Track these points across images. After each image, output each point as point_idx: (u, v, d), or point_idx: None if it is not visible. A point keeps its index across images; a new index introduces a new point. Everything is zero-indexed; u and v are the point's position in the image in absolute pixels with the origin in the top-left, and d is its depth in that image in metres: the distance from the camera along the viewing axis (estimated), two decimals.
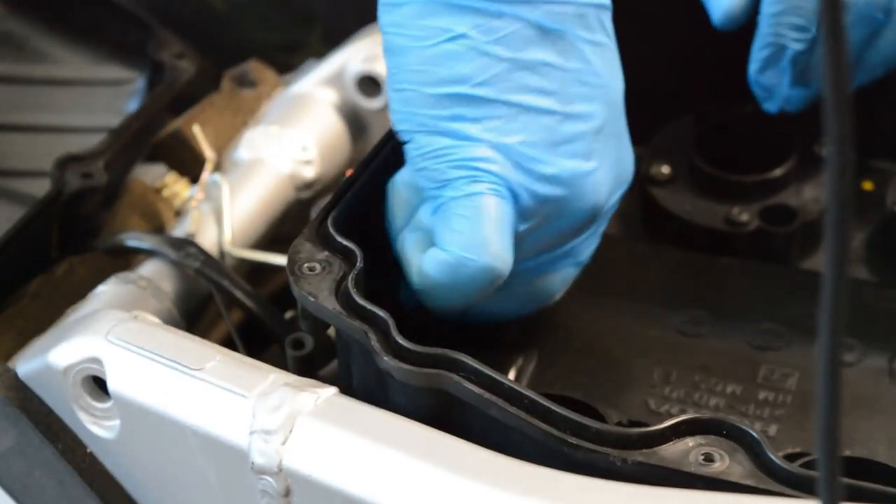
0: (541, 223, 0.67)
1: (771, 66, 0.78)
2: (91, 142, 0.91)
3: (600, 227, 0.72)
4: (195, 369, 0.65)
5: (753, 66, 0.79)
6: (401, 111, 0.66)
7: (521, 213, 0.66)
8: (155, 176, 0.98)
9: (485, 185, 0.65)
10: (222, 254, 0.88)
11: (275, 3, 1.17)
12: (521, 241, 0.67)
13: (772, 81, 0.79)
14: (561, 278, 0.73)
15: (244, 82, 1.06)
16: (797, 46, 0.76)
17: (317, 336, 0.71)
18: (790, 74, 0.78)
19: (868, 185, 0.87)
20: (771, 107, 0.81)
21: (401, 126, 0.67)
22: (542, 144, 0.65)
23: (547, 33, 0.65)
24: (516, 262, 0.66)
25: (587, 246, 0.72)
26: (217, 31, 1.16)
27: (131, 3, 1.13)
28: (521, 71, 0.65)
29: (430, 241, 0.67)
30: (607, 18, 0.67)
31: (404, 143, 0.67)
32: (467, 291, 0.65)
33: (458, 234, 0.64)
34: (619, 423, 0.68)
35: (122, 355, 0.67)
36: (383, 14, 0.67)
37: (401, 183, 0.69)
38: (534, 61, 0.65)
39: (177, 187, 0.97)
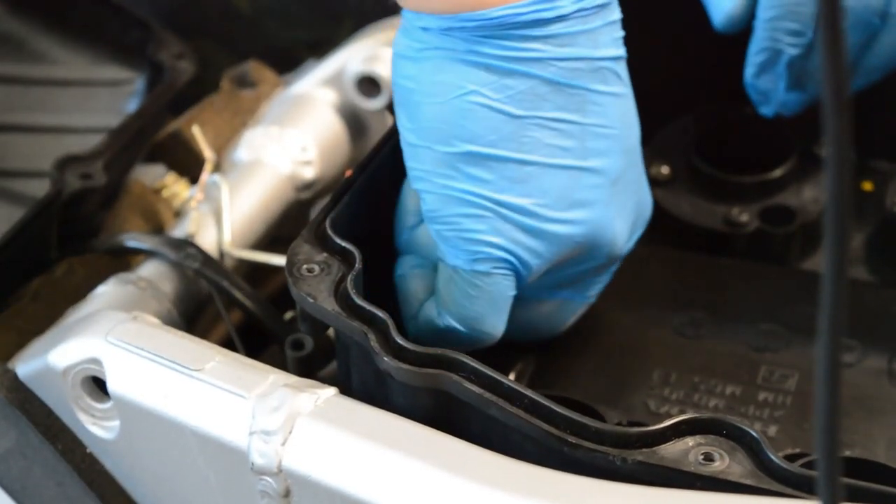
0: (555, 269, 0.67)
1: (767, 70, 0.78)
2: (91, 142, 0.91)
3: (614, 267, 0.72)
4: (195, 370, 0.65)
5: (749, 71, 0.79)
6: (415, 168, 0.66)
7: (533, 271, 0.66)
8: (154, 176, 0.98)
9: (489, 265, 0.65)
10: (222, 254, 0.88)
11: (303, 0, 1.17)
12: (535, 280, 0.67)
13: (768, 86, 0.79)
14: (571, 310, 0.73)
15: (244, 82, 1.06)
16: (793, 51, 0.76)
17: (316, 337, 0.71)
18: (786, 79, 0.78)
19: (868, 186, 0.87)
20: (767, 111, 0.81)
21: (416, 185, 0.66)
22: (558, 202, 0.65)
23: (561, 89, 0.64)
24: (528, 294, 0.67)
25: (598, 284, 0.73)
26: (243, 32, 1.16)
27: (154, 6, 1.13)
28: (535, 129, 0.64)
29: (431, 278, 0.68)
30: (622, 68, 0.66)
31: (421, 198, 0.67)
32: (455, 346, 0.65)
33: (455, 305, 0.66)
34: (619, 424, 0.68)
35: (121, 356, 0.67)
36: (398, 66, 0.66)
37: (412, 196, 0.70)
38: (548, 118, 0.64)
39: (176, 188, 0.97)
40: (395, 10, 0.67)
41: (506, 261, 0.65)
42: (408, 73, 0.65)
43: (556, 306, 0.72)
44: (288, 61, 1.11)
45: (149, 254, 0.85)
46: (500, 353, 0.72)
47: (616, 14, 0.66)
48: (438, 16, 0.63)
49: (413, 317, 0.69)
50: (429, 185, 0.65)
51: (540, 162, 0.64)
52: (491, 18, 0.62)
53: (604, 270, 0.71)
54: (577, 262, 0.68)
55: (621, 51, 0.66)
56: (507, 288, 0.66)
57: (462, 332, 0.66)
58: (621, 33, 0.66)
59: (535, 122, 0.64)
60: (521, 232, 0.65)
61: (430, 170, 0.65)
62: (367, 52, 0.99)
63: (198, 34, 1.10)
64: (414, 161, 0.66)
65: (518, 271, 0.65)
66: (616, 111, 0.66)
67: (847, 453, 0.66)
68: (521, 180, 0.64)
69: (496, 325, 0.67)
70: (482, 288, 0.65)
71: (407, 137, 0.66)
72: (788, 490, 0.54)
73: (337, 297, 0.63)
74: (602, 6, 0.64)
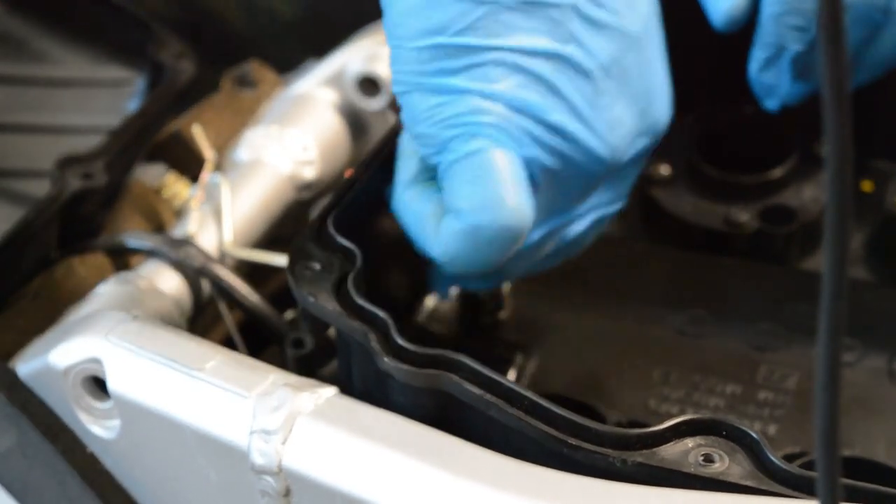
0: (557, 176, 0.63)
1: (771, 65, 0.78)
2: (91, 142, 0.91)
3: (633, 171, 0.68)
4: (195, 369, 0.65)
5: (753, 66, 0.79)
6: (393, 71, 0.62)
7: (531, 164, 0.61)
8: (155, 176, 0.98)
9: (483, 140, 0.60)
10: (222, 254, 0.88)
11: (292, 27, 1.17)
12: (541, 197, 0.63)
13: (772, 81, 0.79)
14: (597, 222, 0.69)
15: (244, 82, 1.06)
16: (797, 47, 0.76)
17: (317, 336, 0.71)
18: (790, 74, 0.78)
19: (868, 186, 0.87)
20: (771, 105, 0.81)
21: (395, 88, 0.63)
22: (539, 88, 0.60)
23: None
24: (541, 220, 0.63)
25: (622, 186, 0.68)
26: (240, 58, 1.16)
27: (166, 17, 1.13)
28: (506, 12, 0.59)
29: (439, 204, 0.63)
30: None
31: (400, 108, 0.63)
32: (491, 256, 0.61)
33: (468, 199, 0.60)
34: (619, 424, 0.68)
35: (122, 355, 0.67)
36: None
37: (406, 141, 0.67)
38: (520, 0, 0.59)
39: (177, 188, 0.97)
40: None
41: (496, 127, 0.60)
42: None
43: (574, 222, 0.68)
44: (288, 61, 1.11)
45: (149, 253, 0.85)
46: (500, 353, 0.73)
47: None
48: None
49: (435, 238, 0.64)
50: (405, 85, 0.62)
51: (513, 47, 0.60)
52: None
53: (617, 175, 0.66)
54: (577, 163, 0.63)
55: None
56: (511, 160, 0.60)
57: (487, 227, 0.60)
58: None
59: (506, 5, 0.59)
60: (508, 111, 0.60)
61: (404, 68, 0.61)
62: (367, 52, 0.99)
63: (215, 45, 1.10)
64: (392, 63, 0.62)
65: (516, 147, 0.60)
66: None
67: (847, 453, 0.66)
68: (495, 66, 0.60)
69: (519, 203, 0.60)
70: (486, 166, 0.60)
71: (388, 39, 0.62)
72: (788, 491, 0.54)
73: (338, 297, 0.63)
74: None
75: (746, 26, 0.78)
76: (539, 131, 0.61)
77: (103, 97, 1.09)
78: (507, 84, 0.60)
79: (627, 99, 0.63)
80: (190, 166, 0.98)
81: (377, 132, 1.01)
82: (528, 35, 0.60)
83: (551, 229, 0.67)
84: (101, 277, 0.83)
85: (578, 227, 0.68)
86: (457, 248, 0.62)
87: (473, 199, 0.60)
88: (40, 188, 0.88)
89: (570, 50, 0.61)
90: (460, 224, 0.61)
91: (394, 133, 0.71)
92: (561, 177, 0.63)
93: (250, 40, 1.18)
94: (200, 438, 0.64)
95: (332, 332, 0.71)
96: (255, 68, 1.07)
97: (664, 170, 0.87)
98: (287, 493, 0.62)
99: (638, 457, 0.56)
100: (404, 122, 0.63)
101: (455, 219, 0.61)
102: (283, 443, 0.61)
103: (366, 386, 0.65)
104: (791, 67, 0.77)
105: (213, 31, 1.19)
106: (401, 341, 0.60)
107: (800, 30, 0.75)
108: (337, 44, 1.03)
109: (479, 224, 0.60)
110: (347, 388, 0.65)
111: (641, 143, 0.66)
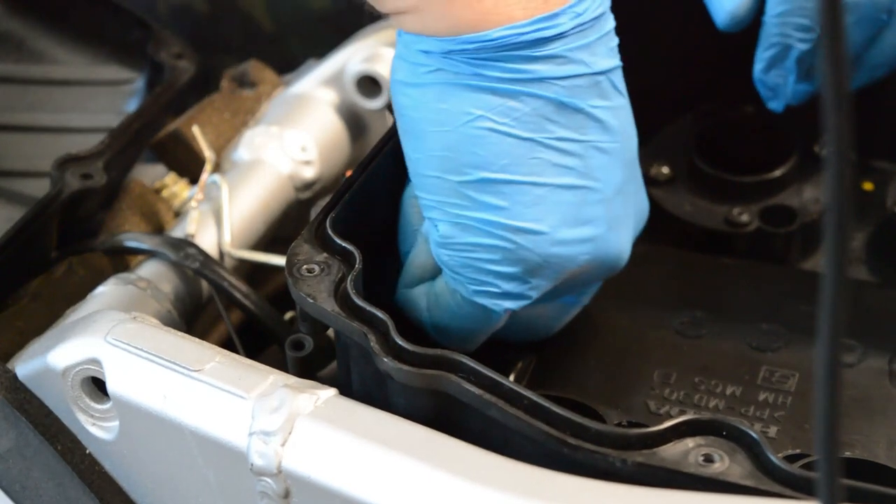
0: (559, 285, 0.67)
1: (776, 65, 0.78)
2: (91, 142, 0.91)
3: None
4: (194, 370, 0.65)
5: (758, 66, 0.79)
6: (427, 199, 0.65)
7: (533, 299, 0.66)
8: (154, 176, 0.98)
9: (489, 300, 0.65)
10: (222, 254, 0.88)
11: (322, 20, 1.17)
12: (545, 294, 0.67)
13: (777, 81, 0.79)
14: (567, 313, 0.74)
15: (244, 82, 1.06)
16: (802, 46, 0.76)
17: (316, 337, 0.71)
18: (795, 74, 0.78)
19: (868, 186, 0.87)
20: (776, 105, 0.81)
21: (428, 213, 0.66)
22: (566, 222, 0.64)
23: (564, 107, 0.63)
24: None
25: (595, 286, 0.73)
26: (265, 49, 1.16)
27: (168, 20, 1.13)
28: (542, 150, 0.63)
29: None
30: (619, 78, 0.66)
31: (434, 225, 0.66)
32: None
33: (443, 316, 0.67)
34: (619, 424, 0.68)
35: (121, 356, 0.67)
36: (399, 95, 0.65)
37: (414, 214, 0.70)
38: (553, 138, 0.63)
39: (176, 188, 0.97)
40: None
41: (507, 295, 0.65)
42: (411, 101, 0.64)
43: (553, 310, 0.72)
44: (288, 61, 1.11)
45: (149, 254, 0.85)
46: (500, 353, 0.73)
47: (610, 24, 0.65)
48: (439, 38, 0.62)
49: (411, 284, 0.70)
50: (442, 213, 0.64)
51: (550, 183, 0.63)
52: (492, 40, 0.61)
53: (604, 278, 0.71)
54: (587, 275, 0.68)
55: (616, 60, 0.65)
56: (498, 319, 0.67)
57: (445, 333, 0.68)
58: (616, 41, 0.66)
59: (542, 143, 0.63)
60: (533, 261, 0.64)
61: (443, 199, 0.64)
62: (367, 52, 0.99)
63: (221, 50, 1.10)
64: (425, 191, 0.65)
65: (515, 304, 0.66)
66: (615, 124, 0.65)
67: (847, 454, 0.66)
68: (533, 204, 0.63)
69: (476, 342, 0.69)
70: (475, 316, 0.66)
71: (416, 168, 0.65)
72: (788, 491, 0.54)
73: (337, 298, 0.63)
74: (597, 18, 0.63)
75: (750, 27, 0.78)
76: (561, 264, 0.65)
77: (103, 97, 1.09)
78: (542, 225, 0.64)
79: (631, 210, 0.69)
80: (189, 166, 0.98)
81: (377, 132, 1.01)
82: (560, 171, 0.64)
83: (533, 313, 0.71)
84: (100, 278, 0.83)
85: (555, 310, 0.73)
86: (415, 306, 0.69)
87: (449, 323, 0.67)
88: (40, 188, 0.88)
89: (592, 183, 0.65)
90: (426, 315, 0.68)
91: (393, 133, 0.71)
92: (573, 282, 0.68)
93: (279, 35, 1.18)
94: (199, 440, 0.64)
95: (331, 333, 0.71)
96: (255, 68, 1.07)
97: (664, 170, 0.87)
98: (286, 494, 0.62)
99: (638, 457, 0.55)
100: (439, 239, 0.66)
101: (426, 308, 0.68)
102: (283, 444, 0.61)
103: (365, 387, 0.65)
104: (796, 67, 0.77)
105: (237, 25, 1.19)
106: (400, 342, 0.60)
107: (805, 29, 0.75)
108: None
109: (440, 328, 0.68)
110: (347, 390, 0.65)
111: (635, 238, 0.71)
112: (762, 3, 0.77)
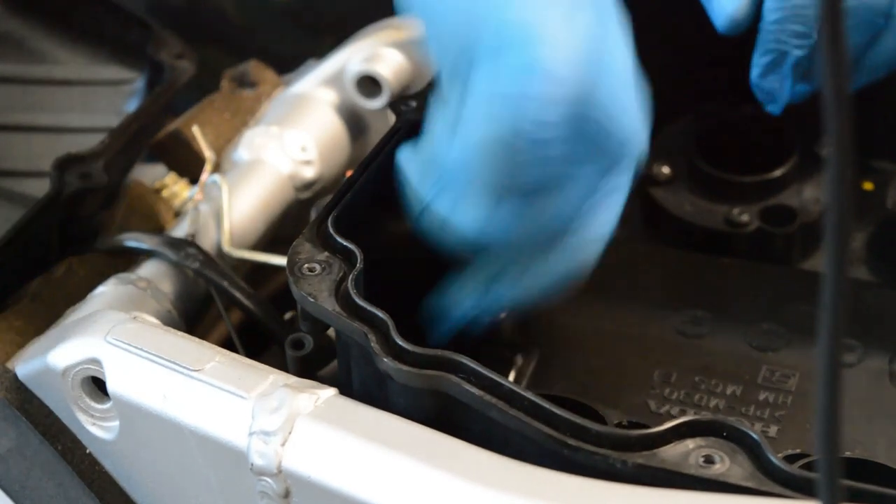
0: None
1: (773, 71, 0.78)
2: (91, 142, 0.91)
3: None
4: (194, 370, 0.65)
5: (755, 71, 0.79)
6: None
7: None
8: (154, 176, 0.98)
9: None
10: (222, 254, 0.88)
11: (287, 14, 1.17)
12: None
13: (774, 86, 0.79)
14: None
15: (244, 82, 1.06)
16: (799, 52, 0.76)
17: (316, 337, 0.71)
18: (792, 79, 0.78)
19: (868, 186, 0.87)
20: (774, 109, 0.81)
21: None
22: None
23: None
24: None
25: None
26: (235, 42, 1.16)
27: (154, 17, 1.14)
28: None
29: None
30: None
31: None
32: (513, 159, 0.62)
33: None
34: (619, 425, 0.68)
35: (121, 356, 0.67)
36: None
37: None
38: None
39: (176, 188, 0.97)
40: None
41: None
42: None
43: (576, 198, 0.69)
44: (288, 61, 1.11)
45: (149, 254, 0.85)
46: (500, 353, 0.73)
47: None
48: None
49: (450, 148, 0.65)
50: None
51: None
52: None
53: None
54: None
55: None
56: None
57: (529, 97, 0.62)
58: None
59: None
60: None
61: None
62: (367, 52, 0.99)
63: (190, 40, 1.10)
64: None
65: None
66: None
67: (847, 454, 0.65)
68: None
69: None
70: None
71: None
72: (789, 492, 0.54)
73: (338, 297, 0.63)
74: None
75: (749, 29, 0.78)
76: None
77: (103, 97, 1.09)
78: None
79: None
80: (189, 166, 0.98)
81: (377, 132, 1.01)
82: None
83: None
84: (100, 278, 0.83)
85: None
86: (477, 147, 0.62)
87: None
88: (40, 188, 0.88)
89: None
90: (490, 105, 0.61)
91: (393, 133, 0.71)
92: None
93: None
94: (200, 439, 0.64)
95: (331, 332, 0.71)
96: (255, 68, 1.07)
97: (664, 170, 0.87)
98: (287, 494, 0.62)
99: (638, 458, 0.55)
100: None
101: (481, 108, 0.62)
102: (283, 444, 0.61)
103: (365, 387, 0.65)
104: (792, 72, 0.77)
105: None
106: (400, 342, 0.60)
107: (801, 36, 0.75)
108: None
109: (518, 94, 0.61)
110: (347, 389, 0.65)
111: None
112: (760, 9, 0.77)
